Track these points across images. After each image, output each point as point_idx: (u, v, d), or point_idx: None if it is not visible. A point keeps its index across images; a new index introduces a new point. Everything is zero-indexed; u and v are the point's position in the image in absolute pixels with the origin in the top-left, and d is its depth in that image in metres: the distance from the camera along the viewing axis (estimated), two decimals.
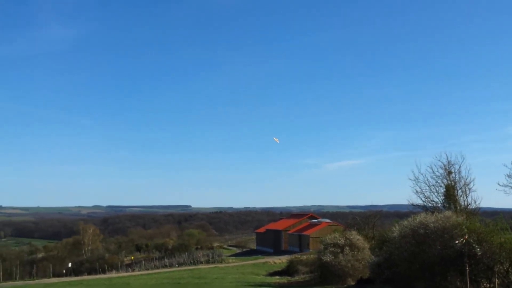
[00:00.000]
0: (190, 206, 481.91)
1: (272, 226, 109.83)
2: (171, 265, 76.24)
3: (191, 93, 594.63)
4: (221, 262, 75.63)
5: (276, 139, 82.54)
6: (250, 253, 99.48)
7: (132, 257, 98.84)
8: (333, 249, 39.80)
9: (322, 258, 39.67)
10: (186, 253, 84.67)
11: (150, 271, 67.62)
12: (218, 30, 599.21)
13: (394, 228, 34.26)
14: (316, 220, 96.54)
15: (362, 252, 39.53)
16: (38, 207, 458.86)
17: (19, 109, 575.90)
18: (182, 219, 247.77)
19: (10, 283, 58.21)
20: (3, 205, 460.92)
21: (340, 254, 38.97)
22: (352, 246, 39.93)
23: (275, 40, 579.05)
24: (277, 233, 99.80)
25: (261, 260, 74.39)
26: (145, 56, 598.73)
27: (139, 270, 73.93)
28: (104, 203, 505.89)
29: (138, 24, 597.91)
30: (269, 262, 69.91)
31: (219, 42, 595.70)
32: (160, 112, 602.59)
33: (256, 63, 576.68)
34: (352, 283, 37.24)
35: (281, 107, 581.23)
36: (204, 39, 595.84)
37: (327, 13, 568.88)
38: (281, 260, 67.95)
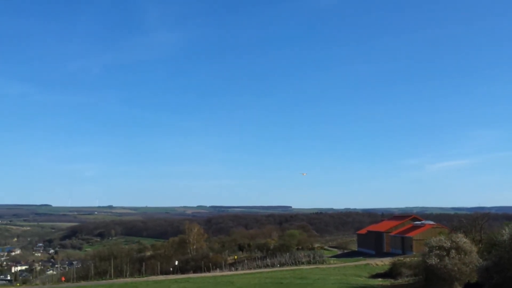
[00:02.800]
0: (290, 206, 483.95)
1: (374, 227, 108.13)
2: (273, 265, 76.95)
3: (291, 94, 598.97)
4: (322, 263, 75.46)
5: (304, 173, 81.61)
6: (351, 254, 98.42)
7: (236, 257, 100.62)
8: (438, 252, 38.71)
9: (427, 261, 38.72)
10: (288, 254, 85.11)
11: (252, 271, 68.58)
12: (317, 30, 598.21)
13: (504, 231, 32.91)
14: (419, 222, 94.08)
15: (469, 256, 38.18)
16: (146, 207, 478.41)
17: (129, 112, 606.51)
18: (283, 220, 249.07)
19: (121, 279, 60.99)
20: (114, 205, 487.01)
21: (446, 257, 37.87)
22: (459, 249, 38.67)
23: (374, 38, 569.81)
24: (378, 235, 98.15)
25: (363, 261, 73.54)
26: (247, 58, 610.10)
27: (242, 269, 75.10)
28: (208, 203, 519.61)
29: (240, 27, 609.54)
30: (371, 264, 69.00)
31: (317, 41, 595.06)
32: (264, 113, 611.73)
33: (355, 63, 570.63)
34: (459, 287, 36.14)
35: (381, 108, 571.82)
36: (304, 40, 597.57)
37: (439, 8, 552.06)
38: (383, 262, 66.87)
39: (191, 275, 65.64)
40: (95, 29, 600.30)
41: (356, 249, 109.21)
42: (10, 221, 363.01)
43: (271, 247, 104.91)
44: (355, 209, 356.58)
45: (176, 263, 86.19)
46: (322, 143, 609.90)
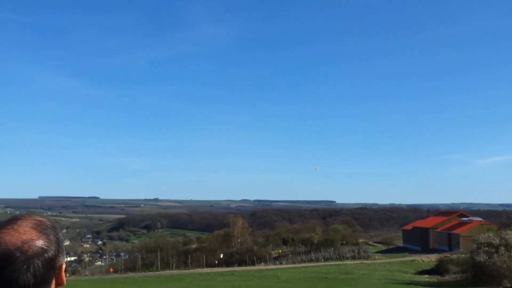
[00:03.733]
0: (334, 201, 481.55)
1: (419, 223, 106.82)
2: (317, 260, 77.06)
3: (336, 89, 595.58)
4: (367, 259, 75.15)
5: (316, 168, 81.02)
6: (397, 250, 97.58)
7: (280, 251, 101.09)
8: (487, 248, 38.15)
9: (475, 258, 38.19)
10: (332, 248, 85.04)
11: (297, 265, 68.87)
12: (358, 24, 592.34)
13: None
14: (466, 219, 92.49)
15: None
16: (191, 200, 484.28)
17: (175, 106, 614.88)
18: (327, 214, 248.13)
19: (168, 271, 62.15)
20: (160, 198, 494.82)
21: (495, 255, 37.27)
22: (508, 246, 38.00)
23: (417, 32, 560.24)
24: (424, 231, 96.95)
25: (409, 258, 72.88)
26: (293, 52, 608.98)
27: (286, 264, 75.44)
28: (252, 197, 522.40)
29: (286, 20, 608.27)
30: (417, 260, 68.36)
31: (359, 36, 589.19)
32: (309, 107, 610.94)
33: (393, 58, 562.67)
34: (508, 285, 35.52)
35: (427, 102, 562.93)
36: (344, 34, 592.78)
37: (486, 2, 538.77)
38: (429, 259, 66.13)
39: (236, 268, 66.37)
40: (142, 24, 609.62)
41: (402, 245, 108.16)
42: (59, 212, 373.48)
43: (315, 241, 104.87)
44: (400, 204, 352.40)
45: (221, 256, 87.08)
46: (366, 138, 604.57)
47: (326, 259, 76.38)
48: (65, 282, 2.07)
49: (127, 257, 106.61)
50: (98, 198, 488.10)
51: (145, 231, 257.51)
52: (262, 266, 70.35)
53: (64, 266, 2.09)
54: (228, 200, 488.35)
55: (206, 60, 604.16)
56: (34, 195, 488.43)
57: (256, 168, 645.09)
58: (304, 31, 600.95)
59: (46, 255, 1.96)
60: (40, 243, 1.97)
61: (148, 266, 76.75)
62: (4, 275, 1.90)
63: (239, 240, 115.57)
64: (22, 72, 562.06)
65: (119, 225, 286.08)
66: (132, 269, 72.59)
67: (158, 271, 64.10)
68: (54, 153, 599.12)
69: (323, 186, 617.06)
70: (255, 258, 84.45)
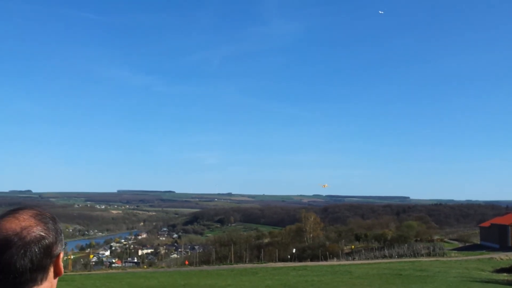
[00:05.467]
0: (408, 197, 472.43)
1: (498, 220, 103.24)
2: (390, 256, 76.21)
3: (410, 84, 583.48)
4: (443, 256, 73.61)
5: (324, 185, 78.45)
6: (473, 248, 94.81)
7: (353, 246, 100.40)
8: None
9: None
10: (406, 245, 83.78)
11: (370, 261, 68.38)
12: (435, 19, 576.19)
13: None
14: None
15: None
16: (264, 195, 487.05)
17: (248, 102, 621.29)
18: (401, 210, 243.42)
19: (241, 265, 63.15)
20: (233, 193, 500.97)
21: None
22: None
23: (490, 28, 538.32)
24: (503, 228, 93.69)
25: (486, 255, 70.83)
26: (366, 48, 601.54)
27: (359, 259, 75.04)
28: (324, 192, 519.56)
29: (358, 16, 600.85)
30: (495, 258, 66.39)
31: (435, 31, 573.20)
32: (380, 103, 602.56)
33: (467, 54, 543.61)
34: None
35: (500, 97, 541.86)
36: (420, 29, 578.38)
37: None
38: (508, 257, 64.19)
39: (308, 263, 66.55)
40: (215, 21, 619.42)
41: (479, 243, 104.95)
42: (137, 206, 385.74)
43: (389, 238, 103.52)
44: (477, 201, 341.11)
45: (294, 250, 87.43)
46: (443, 134, 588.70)
47: (400, 256, 75.39)
48: (62, 272, 2.21)
49: (201, 250, 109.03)
50: (173, 192, 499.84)
51: (218, 225, 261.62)
52: (334, 262, 70.26)
53: (62, 255, 2.22)
54: (300, 195, 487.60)
55: (279, 56, 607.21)
56: (113, 189, 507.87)
57: (328, 163, 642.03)
58: (377, 26, 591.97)
59: (43, 241, 2.07)
60: (38, 230, 2.08)
61: (221, 259, 78.13)
62: (2, 260, 2.00)
63: (311, 235, 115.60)
64: (100, 70, 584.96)
65: (193, 219, 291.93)
66: (207, 262, 74.10)
67: (231, 264, 65.17)
68: (132, 149, 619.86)
69: (396, 182, 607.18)
70: (327, 253, 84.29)
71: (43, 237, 2.08)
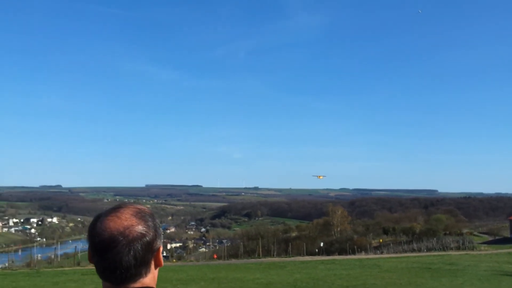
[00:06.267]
0: (436, 190, 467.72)
1: None
2: (419, 250, 75.78)
3: (435, 75, 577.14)
4: (472, 249, 72.93)
5: (320, 177, 77.42)
6: (504, 241, 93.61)
7: (381, 240, 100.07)
8: None
9: None
10: (434, 239, 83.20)
11: (398, 255, 68.03)
12: (457, 9, 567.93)
13: None
14: None
15: None
16: (290, 189, 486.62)
17: (273, 95, 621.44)
18: (429, 204, 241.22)
19: (269, 259, 63.42)
20: (260, 187, 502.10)
21: None
22: None
23: None
24: None
25: None
26: (389, 40, 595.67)
27: (387, 253, 74.73)
28: (351, 186, 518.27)
29: (381, 8, 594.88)
30: None
31: (459, 21, 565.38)
32: (408, 94, 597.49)
33: (493, 44, 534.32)
34: None
35: None
36: (443, 19, 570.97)
37: None
38: None
39: (336, 257, 66.51)
40: (239, 15, 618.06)
41: (509, 236, 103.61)
42: (165, 200, 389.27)
43: (417, 231, 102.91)
44: (507, 193, 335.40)
45: (322, 244, 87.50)
46: (471, 125, 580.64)
47: (428, 249, 74.92)
48: (162, 263, 2.38)
49: (229, 244, 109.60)
50: (200, 186, 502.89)
51: (246, 219, 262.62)
52: (363, 255, 70.19)
53: (161, 249, 2.39)
54: (327, 189, 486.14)
55: (304, 49, 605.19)
56: (141, 184, 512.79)
57: (355, 156, 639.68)
58: (400, 18, 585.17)
59: (145, 239, 2.23)
60: (139, 228, 2.23)
61: (249, 253, 78.55)
62: (109, 257, 2.18)
63: (338, 229, 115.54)
64: (127, 65, 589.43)
65: (221, 213, 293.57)
66: (235, 255, 74.49)
67: (259, 258, 65.50)
68: (159, 144, 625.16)
69: (424, 175, 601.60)
70: (355, 247, 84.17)
71: (144, 235, 2.21)
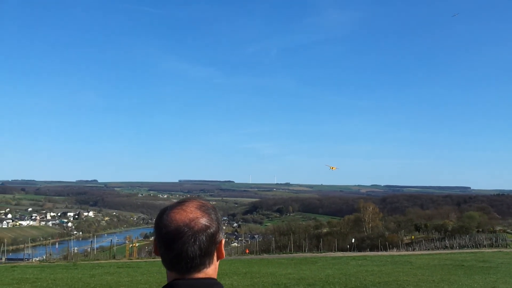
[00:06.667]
0: (469, 187, 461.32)
1: None
2: (451, 247, 75.31)
3: (471, 71, 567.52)
4: (506, 247, 72.15)
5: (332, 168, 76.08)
6: None
7: (412, 237, 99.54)
8: None
9: None
10: (467, 236, 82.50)
11: (430, 251, 67.71)
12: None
13: None
14: None
15: None
16: (322, 185, 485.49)
17: (304, 92, 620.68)
18: (461, 201, 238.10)
19: (301, 254, 63.63)
20: (291, 183, 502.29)
21: None
22: None
23: None
24: None
25: None
26: (425, 35, 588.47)
27: (419, 250, 74.42)
28: (382, 182, 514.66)
29: (411, 3, 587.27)
30: None
31: (498, 16, 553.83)
32: (440, 91, 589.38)
33: None
34: None
35: None
36: (481, 15, 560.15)
37: None
38: None
39: (368, 253, 66.42)
40: (271, 12, 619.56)
41: None
42: (198, 195, 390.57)
43: (449, 228, 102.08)
44: None
45: (353, 240, 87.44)
46: (502, 122, 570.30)
47: (461, 247, 74.41)
48: (224, 256, 2.48)
49: (261, 239, 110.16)
50: (232, 182, 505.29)
51: (277, 215, 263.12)
52: (394, 252, 70.02)
53: (223, 241, 2.48)
54: (358, 185, 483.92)
55: (335, 46, 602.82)
56: (175, 179, 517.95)
57: (386, 153, 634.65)
58: (436, 12, 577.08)
59: (209, 231, 2.35)
60: (204, 220, 2.36)
61: (281, 248, 79.05)
62: (175, 248, 2.31)
63: (370, 225, 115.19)
64: (160, 62, 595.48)
65: (253, 208, 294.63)
66: (266, 250, 75.06)
67: (291, 253, 65.82)
68: (192, 140, 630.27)
69: (457, 172, 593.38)
70: (386, 243, 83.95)
71: (208, 227, 2.37)
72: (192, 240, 2.30)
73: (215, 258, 2.44)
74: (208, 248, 2.36)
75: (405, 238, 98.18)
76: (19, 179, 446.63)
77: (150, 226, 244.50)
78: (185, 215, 2.36)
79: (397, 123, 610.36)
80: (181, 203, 2.47)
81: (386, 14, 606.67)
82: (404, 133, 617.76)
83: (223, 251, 2.47)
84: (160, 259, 2.45)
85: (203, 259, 2.35)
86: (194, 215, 2.36)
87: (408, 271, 31.67)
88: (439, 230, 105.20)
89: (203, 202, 2.51)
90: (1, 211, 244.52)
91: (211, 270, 2.42)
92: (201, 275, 2.38)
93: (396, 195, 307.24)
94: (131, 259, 53.09)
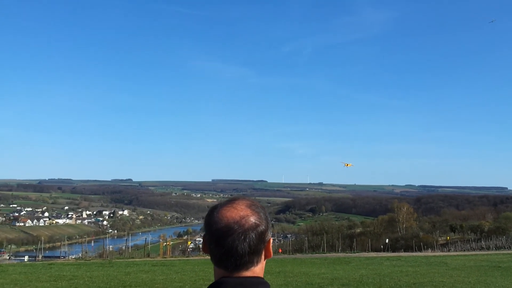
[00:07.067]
0: (506, 188, 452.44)
1: None
2: (488, 248, 74.10)
3: (502, 70, 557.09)
4: None
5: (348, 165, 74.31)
6: None
7: (448, 237, 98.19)
8: None
9: None
10: (504, 237, 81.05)
11: (466, 253, 66.74)
12: None
13: None
14: None
15: None
16: (355, 185, 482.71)
17: (338, 92, 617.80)
18: (498, 201, 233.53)
19: (334, 254, 63.47)
20: (324, 182, 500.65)
21: None
22: None
23: None
24: None
25: None
26: (460, 34, 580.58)
27: (454, 251, 73.45)
28: (416, 182, 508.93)
29: (449, 2, 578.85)
30: None
31: None
32: (477, 91, 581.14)
33: None
34: None
35: None
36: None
37: None
38: None
39: (402, 253, 65.87)
40: (305, 11, 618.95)
41: None
42: (231, 195, 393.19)
43: (486, 229, 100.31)
44: None
45: (387, 241, 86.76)
46: None
47: (497, 248, 73.13)
48: (272, 255, 2.50)
49: (294, 238, 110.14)
50: (265, 181, 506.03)
51: (310, 214, 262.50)
52: (429, 253, 69.22)
53: (271, 240, 2.49)
54: (392, 185, 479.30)
55: (370, 45, 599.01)
56: (208, 178, 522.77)
57: (421, 153, 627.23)
58: (472, 12, 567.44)
59: (258, 229, 2.38)
60: (253, 218, 2.39)
61: (314, 248, 78.92)
62: (225, 244, 2.35)
63: (404, 226, 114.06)
64: (194, 62, 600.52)
65: (285, 208, 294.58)
66: (299, 250, 75.06)
67: (324, 253, 65.67)
68: (226, 139, 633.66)
69: (494, 172, 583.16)
70: (421, 244, 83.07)
71: (257, 225, 2.39)
72: (242, 237, 2.34)
73: (263, 256, 2.47)
74: (257, 246, 2.39)
75: (440, 239, 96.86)
76: (56, 178, 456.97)
77: (183, 225, 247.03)
78: (236, 213, 2.40)
79: (431, 122, 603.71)
80: (231, 201, 2.52)
81: (421, 14, 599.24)
82: (439, 133, 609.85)
83: (271, 250, 2.50)
84: (196, 259, 2.53)
85: (252, 257, 2.38)
86: (244, 213, 2.40)
87: (444, 272, 31.36)
88: (475, 231, 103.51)
89: (253, 201, 2.56)
90: (38, 210, 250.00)
91: (259, 269, 2.46)
92: (248, 273, 2.42)
93: (431, 195, 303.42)
94: (165, 258, 53.62)
